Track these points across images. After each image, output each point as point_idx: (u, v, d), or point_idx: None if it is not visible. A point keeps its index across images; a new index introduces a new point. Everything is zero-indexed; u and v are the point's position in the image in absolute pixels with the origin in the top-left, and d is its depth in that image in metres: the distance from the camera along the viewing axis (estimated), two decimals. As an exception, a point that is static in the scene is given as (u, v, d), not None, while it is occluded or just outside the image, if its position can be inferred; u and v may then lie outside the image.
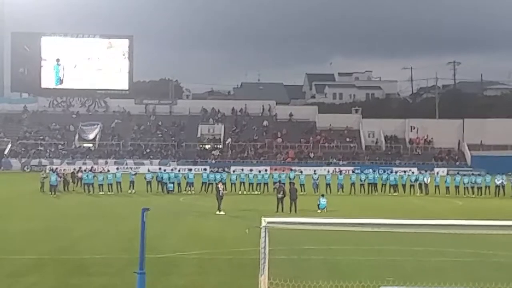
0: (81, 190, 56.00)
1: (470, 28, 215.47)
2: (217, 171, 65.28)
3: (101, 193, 54.71)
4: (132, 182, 56.38)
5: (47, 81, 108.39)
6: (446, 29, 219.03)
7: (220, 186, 43.85)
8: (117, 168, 77.88)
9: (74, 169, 64.82)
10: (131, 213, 37.44)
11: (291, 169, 76.26)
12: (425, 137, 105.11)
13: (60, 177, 57.14)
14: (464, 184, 57.51)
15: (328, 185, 56.52)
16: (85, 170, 61.97)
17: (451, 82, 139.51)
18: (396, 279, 20.48)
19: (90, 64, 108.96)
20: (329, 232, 18.35)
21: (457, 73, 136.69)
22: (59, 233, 32.34)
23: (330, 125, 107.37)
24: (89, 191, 54.96)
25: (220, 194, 42.03)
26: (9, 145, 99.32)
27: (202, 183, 56.92)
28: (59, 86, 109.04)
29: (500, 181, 56.72)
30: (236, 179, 58.49)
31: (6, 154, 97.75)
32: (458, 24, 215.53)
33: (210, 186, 56.37)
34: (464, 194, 56.20)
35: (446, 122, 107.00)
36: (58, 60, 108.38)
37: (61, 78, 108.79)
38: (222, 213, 40.46)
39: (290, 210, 41.05)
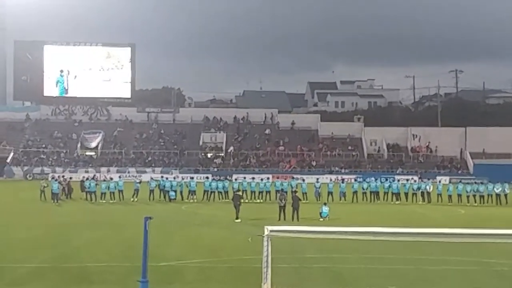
0: (83, 197, 56.06)
1: (472, 37, 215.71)
2: (219, 179, 65.27)
3: (103, 201, 54.72)
4: (136, 190, 56.45)
5: (50, 89, 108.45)
6: (448, 37, 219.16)
7: (239, 193, 44.16)
8: (120, 176, 77.85)
9: (83, 177, 64.98)
10: (133, 221, 37.40)
11: (293, 177, 76.17)
12: (428, 145, 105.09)
13: (62, 184, 57.20)
14: (467, 192, 57.39)
15: (330, 193, 56.48)
16: (87, 179, 61.93)
17: (453, 90, 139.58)
18: (399, 287, 20.45)
19: (93, 72, 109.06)
20: (331, 241, 18.38)
21: (459, 81, 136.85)
22: (61, 241, 32.34)
23: (332, 133, 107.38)
24: (91, 199, 54.99)
25: (238, 202, 42.21)
26: (12, 153, 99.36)
27: (204, 191, 56.91)
28: (65, 95, 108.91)
29: (499, 189, 56.67)
30: (238, 187, 58.31)
31: (8, 162, 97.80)
32: (460, 32, 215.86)
33: (212, 194, 56.50)
34: (467, 202, 56.11)
35: (448, 130, 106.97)
36: (61, 71, 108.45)
37: (66, 88, 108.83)
38: (238, 220, 40.52)
39: (293, 219, 41.00)
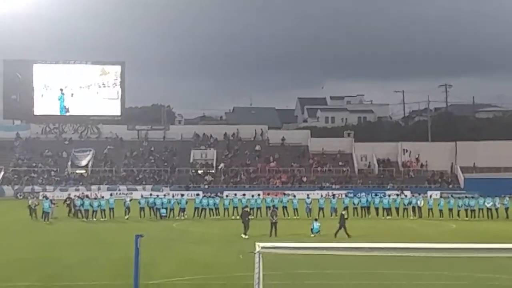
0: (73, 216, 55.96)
1: (462, 51, 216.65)
2: (210, 196, 65.09)
3: (94, 219, 54.52)
4: (127, 208, 56.36)
5: (40, 108, 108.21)
6: (437, 52, 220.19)
7: (247, 210, 44.16)
8: (111, 194, 77.72)
9: (74, 195, 65.09)
10: (124, 239, 37.33)
11: (284, 194, 76.09)
12: (418, 160, 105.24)
13: (67, 203, 57.49)
14: (458, 207, 57.43)
15: (321, 209, 56.44)
16: (78, 197, 61.74)
17: (443, 105, 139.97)
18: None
19: (83, 90, 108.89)
20: (323, 257, 18.29)
21: (449, 95, 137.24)
22: (52, 260, 32.22)
23: (323, 149, 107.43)
24: (82, 217, 54.83)
25: (247, 219, 42.38)
26: (2, 172, 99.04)
27: (195, 208, 56.83)
28: (56, 113, 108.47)
29: (490, 204, 56.74)
30: (229, 204, 58.34)
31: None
32: (450, 47, 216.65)
33: (203, 211, 56.43)
34: (458, 216, 56.14)
35: (438, 145, 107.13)
36: (62, 90, 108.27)
37: (66, 107, 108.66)
38: (246, 236, 40.39)
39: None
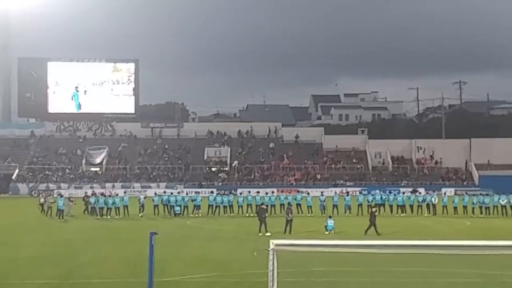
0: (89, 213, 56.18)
1: (476, 48, 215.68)
2: (224, 194, 65.23)
3: (108, 217, 54.71)
4: (141, 206, 56.55)
5: (54, 106, 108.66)
6: (452, 49, 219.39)
7: (263, 207, 44.23)
8: (125, 192, 77.92)
9: (85, 192, 65.37)
10: (138, 237, 37.45)
11: (298, 191, 76.10)
12: (432, 157, 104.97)
13: (85, 201, 57.79)
14: (472, 204, 57.29)
15: (335, 206, 56.44)
16: (92, 195, 61.93)
17: (458, 102, 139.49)
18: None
19: (97, 88, 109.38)
20: (337, 254, 18.30)
21: (463, 92, 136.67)
22: (67, 258, 32.35)
23: (337, 146, 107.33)
24: (97, 215, 55.06)
25: (263, 216, 42.30)
26: (17, 170, 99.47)
27: (209, 205, 56.94)
28: (70, 111, 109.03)
29: (504, 201, 56.56)
30: (243, 202, 58.38)
31: (13, 179, 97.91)
32: (464, 43, 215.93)
33: (217, 208, 56.52)
34: (473, 214, 55.99)
35: (453, 142, 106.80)
36: (76, 87, 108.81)
37: (81, 104, 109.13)
38: (268, 234, 39.93)
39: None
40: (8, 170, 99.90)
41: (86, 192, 67.74)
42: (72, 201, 57.08)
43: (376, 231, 41.24)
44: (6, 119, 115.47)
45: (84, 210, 57.80)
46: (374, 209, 43.73)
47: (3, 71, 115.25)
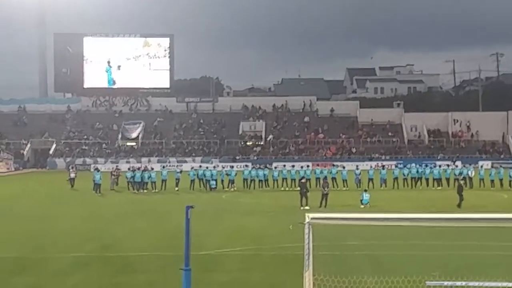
0: (127, 188, 56.62)
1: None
2: (259, 168, 65.35)
3: (144, 191, 55.11)
4: (177, 180, 56.87)
5: (90, 81, 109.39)
6: (489, 20, 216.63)
7: (304, 181, 44.09)
8: (163, 166, 78.38)
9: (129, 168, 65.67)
10: (175, 211, 37.73)
11: (333, 165, 75.96)
12: (469, 130, 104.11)
13: (114, 175, 57.94)
14: (510, 177, 56.77)
15: (370, 180, 56.35)
16: (129, 169, 62.27)
17: (495, 74, 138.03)
18: (441, 274, 20.31)
19: (132, 63, 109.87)
20: (372, 228, 18.29)
21: (501, 64, 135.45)
22: (104, 231, 32.71)
23: (372, 120, 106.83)
24: (133, 189, 55.51)
25: (304, 190, 42.35)
26: (54, 145, 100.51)
27: (244, 179, 57.14)
28: (105, 86, 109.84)
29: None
30: (278, 175, 58.48)
31: (51, 153, 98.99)
32: (501, 14, 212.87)
33: (252, 182, 56.70)
34: (510, 187, 55.50)
35: (489, 114, 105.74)
36: (109, 62, 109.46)
37: (114, 79, 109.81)
38: (307, 207, 40.08)
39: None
40: (45, 145, 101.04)
41: (116, 166, 67.62)
42: (114, 175, 57.59)
43: (460, 203, 40.96)
44: (43, 94, 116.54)
45: (112, 185, 57.58)
46: (462, 182, 43.58)
47: (39, 47, 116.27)
